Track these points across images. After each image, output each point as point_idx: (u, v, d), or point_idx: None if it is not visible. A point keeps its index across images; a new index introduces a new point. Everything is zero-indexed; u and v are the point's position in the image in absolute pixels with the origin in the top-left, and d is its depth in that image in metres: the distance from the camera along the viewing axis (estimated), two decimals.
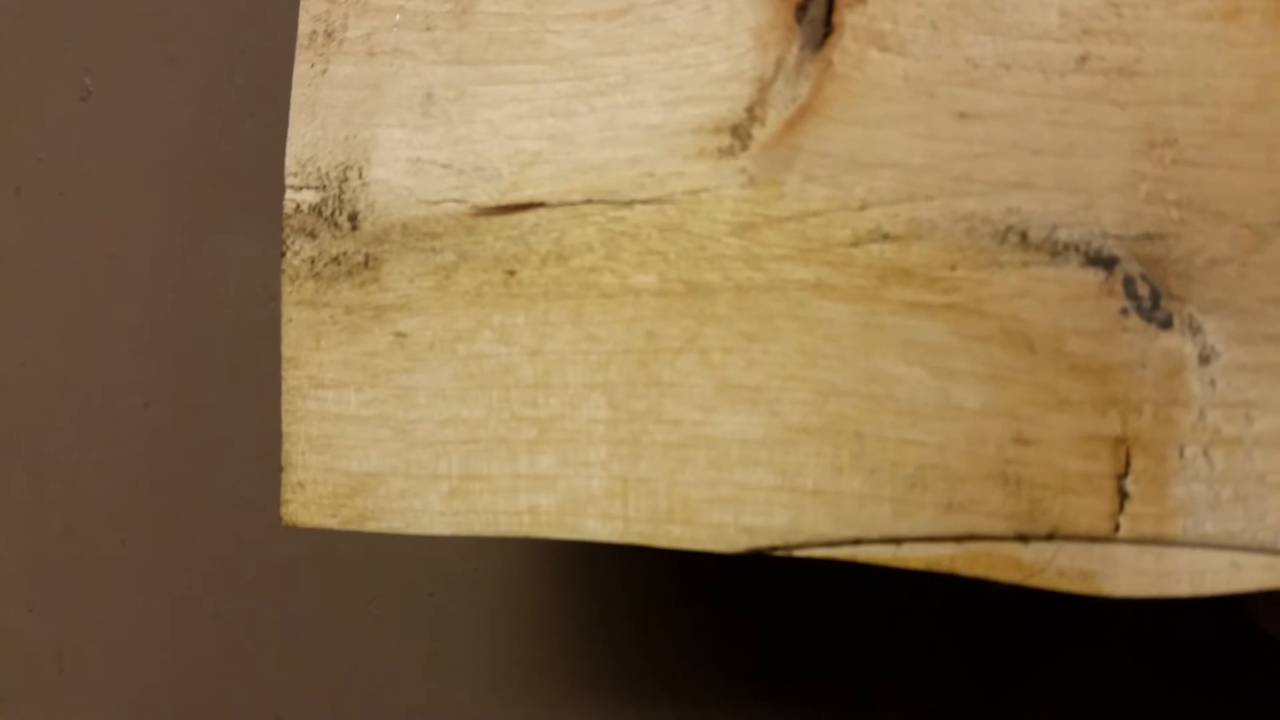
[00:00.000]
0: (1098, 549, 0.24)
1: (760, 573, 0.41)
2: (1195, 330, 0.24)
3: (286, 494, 0.27)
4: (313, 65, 0.27)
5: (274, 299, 0.44)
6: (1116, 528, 0.24)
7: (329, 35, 0.27)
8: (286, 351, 0.27)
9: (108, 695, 0.46)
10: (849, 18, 0.25)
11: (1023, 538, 0.24)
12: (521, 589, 0.43)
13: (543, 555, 0.43)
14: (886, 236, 0.25)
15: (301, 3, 0.27)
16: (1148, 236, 0.24)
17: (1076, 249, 0.24)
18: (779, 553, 0.25)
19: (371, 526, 0.27)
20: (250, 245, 0.45)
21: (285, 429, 0.27)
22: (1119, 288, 0.24)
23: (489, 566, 0.43)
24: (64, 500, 0.47)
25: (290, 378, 0.27)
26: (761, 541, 0.25)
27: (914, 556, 0.25)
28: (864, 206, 0.25)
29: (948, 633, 0.41)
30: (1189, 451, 0.24)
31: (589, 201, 0.26)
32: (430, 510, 0.27)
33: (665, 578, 0.42)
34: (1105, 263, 0.24)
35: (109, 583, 0.46)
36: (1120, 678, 0.39)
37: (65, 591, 0.47)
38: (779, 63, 0.25)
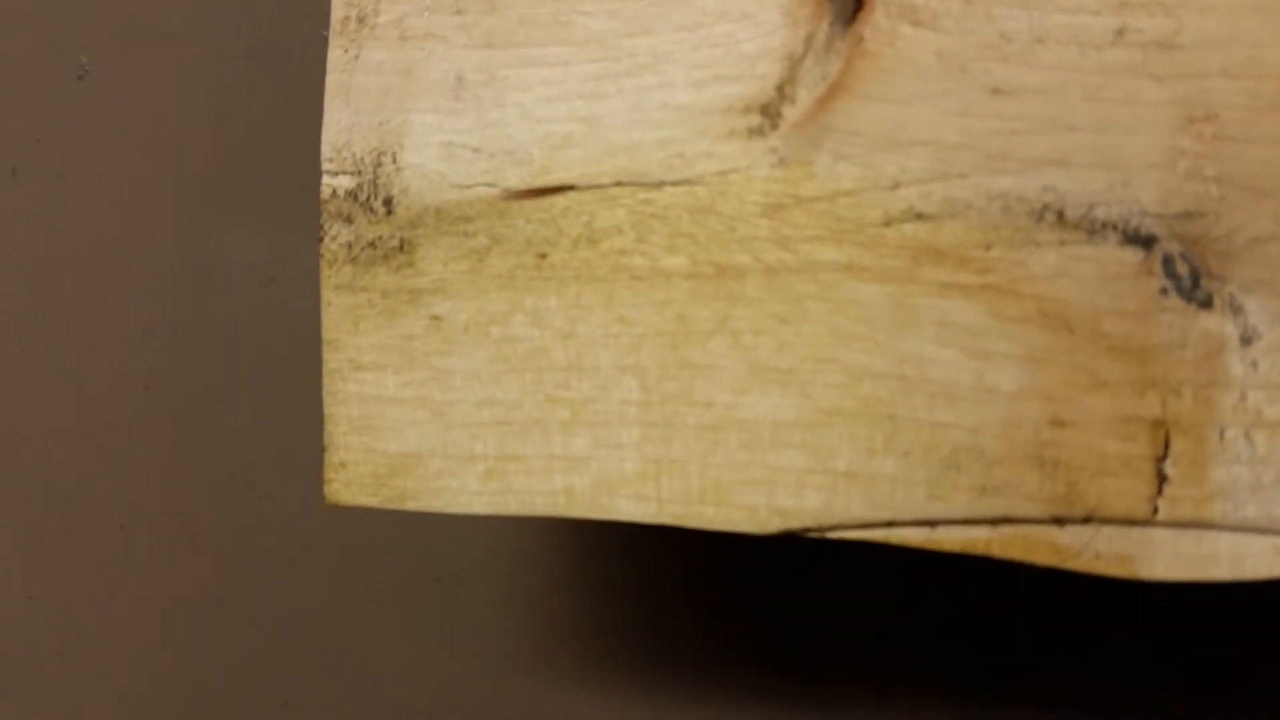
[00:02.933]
0: (1136, 532, 0.28)
1: (769, 564, 0.43)
2: (1236, 310, 0.27)
3: (329, 474, 0.32)
4: (346, 51, 0.32)
5: (275, 281, 0.47)
6: (1155, 511, 0.28)
7: (361, 21, 0.32)
8: (326, 334, 0.32)
9: (110, 683, 0.50)
10: None
11: (1059, 521, 0.28)
12: (529, 574, 0.46)
13: (551, 540, 0.45)
14: (919, 216, 0.28)
15: None
16: (1187, 214, 0.27)
17: (1114, 227, 0.27)
18: (811, 534, 0.30)
19: (411, 505, 0.32)
20: (251, 227, 0.48)
21: (327, 410, 0.32)
22: (1158, 267, 0.27)
23: (496, 551, 0.46)
24: (63, 486, 0.51)
25: (330, 360, 0.32)
26: (794, 523, 0.29)
27: (949, 539, 0.29)
28: (896, 186, 0.29)
29: (964, 613, 0.43)
30: (1230, 434, 0.27)
31: (619, 184, 0.30)
32: (467, 490, 0.31)
33: (673, 565, 0.44)
34: (1144, 241, 0.27)
35: (110, 569, 0.50)
36: (1145, 648, 0.42)
37: (65, 579, 0.50)
38: (809, 39, 0.29)
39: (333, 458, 0.31)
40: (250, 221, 0.48)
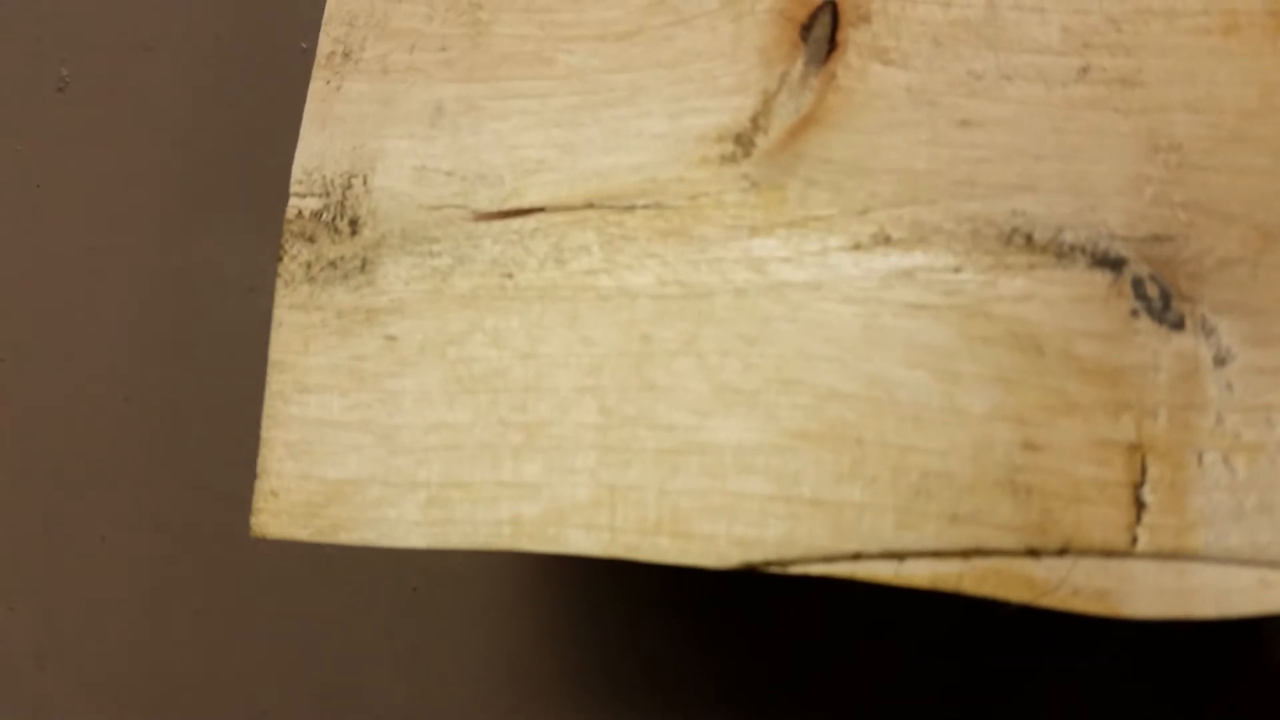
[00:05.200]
0: (1115, 565, 0.26)
1: (749, 575, 0.43)
2: (1209, 331, 0.27)
3: (258, 503, 0.30)
4: (328, 82, 0.33)
5: (254, 290, 0.49)
6: (1134, 540, 0.26)
7: (346, 55, 0.33)
8: (274, 355, 0.31)
9: (89, 693, 0.50)
10: (853, 35, 0.30)
11: (1034, 552, 0.27)
12: (505, 584, 0.46)
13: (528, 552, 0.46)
14: (889, 239, 0.29)
15: (323, 25, 0.33)
16: (1155, 238, 0.27)
17: (1083, 250, 0.28)
18: (773, 569, 0.28)
19: (343, 538, 0.30)
20: (230, 236, 0.49)
21: (264, 434, 0.30)
22: (1128, 289, 0.27)
23: (473, 561, 0.46)
24: (43, 496, 0.51)
25: (274, 382, 0.31)
26: (755, 555, 0.28)
27: (918, 574, 0.27)
28: (866, 210, 0.29)
29: (938, 645, 0.43)
30: (1208, 458, 0.26)
31: (590, 206, 0.30)
32: (406, 520, 0.29)
33: (651, 576, 0.43)
34: (1113, 264, 0.28)
35: (89, 579, 0.50)
36: (1120, 703, 0.41)
37: (45, 589, 0.51)
38: (783, 77, 0.30)
39: (264, 485, 0.30)
40: (229, 231, 0.49)
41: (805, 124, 0.29)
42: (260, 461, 0.30)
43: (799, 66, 0.29)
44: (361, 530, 0.29)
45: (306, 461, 0.30)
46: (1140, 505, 0.26)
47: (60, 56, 0.51)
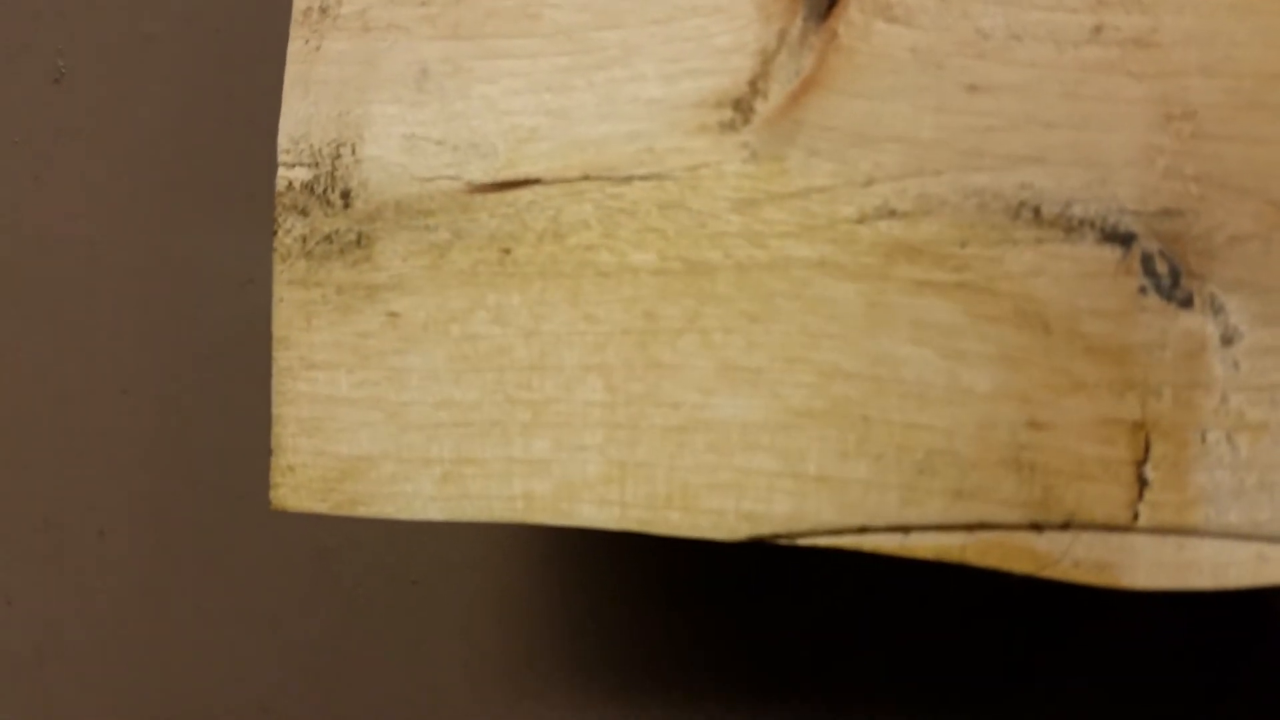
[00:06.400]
0: (1116, 539, 0.27)
1: (750, 567, 0.44)
2: (1217, 310, 0.27)
3: (276, 478, 0.31)
4: (307, 41, 0.31)
5: (252, 283, 0.48)
6: (1135, 516, 0.27)
7: (324, 11, 0.31)
8: (277, 331, 0.31)
9: (88, 687, 0.51)
10: None
11: (1037, 527, 0.27)
12: (506, 576, 0.46)
13: (528, 542, 0.46)
14: (893, 213, 0.28)
15: None
16: (1166, 212, 0.27)
17: (1092, 225, 0.27)
18: (781, 541, 0.29)
19: (362, 511, 0.31)
20: (228, 228, 0.49)
21: (275, 411, 0.31)
22: (1136, 265, 0.27)
23: (473, 554, 0.47)
24: (41, 490, 0.51)
25: (281, 358, 0.31)
26: (763, 529, 0.29)
27: (922, 546, 0.28)
28: (870, 182, 0.28)
29: (940, 644, 0.44)
30: (1211, 437, 0.27)
31: (586, 178, 0.29)
32: (422, 495, 0.30)
33: (653, 566, 0.45)
34: (1122, 239, 0.27)
35: (87, 573, 0.51)
36: (1133, 675, 0.43)
37: (43, 583, 0.51)
38: (782, 34, 0.29)
39: (280, 461, 0.30)
40: (227, 223, 0.49)
41: (806, 88, 0.28)
42: (274, 437, 0.30)
43: (799, 23, 0.28)
44: (379, 504, 0.30)
45: (320, 438, 0.30)
46: (1142, 482, 0.26)
47: (57, 47, 0.50)
